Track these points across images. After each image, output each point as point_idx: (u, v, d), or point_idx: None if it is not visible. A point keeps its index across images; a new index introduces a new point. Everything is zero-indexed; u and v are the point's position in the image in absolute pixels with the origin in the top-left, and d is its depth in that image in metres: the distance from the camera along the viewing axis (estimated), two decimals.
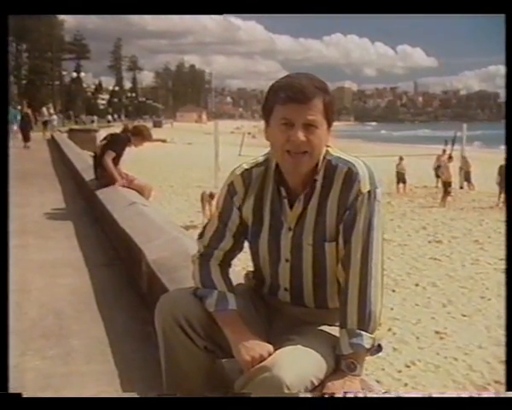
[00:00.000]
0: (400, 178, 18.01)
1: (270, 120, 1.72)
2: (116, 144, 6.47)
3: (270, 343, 1.67)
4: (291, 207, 1.76)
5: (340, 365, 1.65)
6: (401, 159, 18.48)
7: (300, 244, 1.76)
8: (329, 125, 1.71)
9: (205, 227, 1.93)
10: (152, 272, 3.11)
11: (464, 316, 6.76)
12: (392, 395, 1.54)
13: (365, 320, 1.66)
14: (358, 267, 1.67)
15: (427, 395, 1.47)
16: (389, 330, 6.13)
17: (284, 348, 1.61)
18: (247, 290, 1.92)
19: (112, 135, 6.73)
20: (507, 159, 2.00)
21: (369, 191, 1.68)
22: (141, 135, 6.59)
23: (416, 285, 7.97)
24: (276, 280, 1.84)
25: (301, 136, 1.64)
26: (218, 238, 1.86)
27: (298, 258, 1.78)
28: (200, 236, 1.92)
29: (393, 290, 7.58)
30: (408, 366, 5.40)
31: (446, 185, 16.16)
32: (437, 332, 6.22)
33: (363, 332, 1.65)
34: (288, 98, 1.65)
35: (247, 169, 1.83)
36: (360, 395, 1.56)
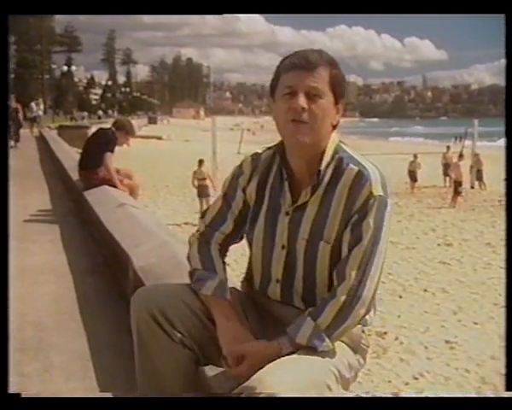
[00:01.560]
0: (412, 177, 17.77)
1: (275, 95, 1.71)
2: (112, 143, 6.15)
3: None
4: (291, 191, 1.75)
5: (283, 339, 1.63)
6: (415, 157, 18.23)
7: (296, 236, 1.75)
8: (336, 100, 1.69)
9: (209, 207, 1.96)
10: (139, 279, 2.96)
11: (476, 324, 6.55)
12: (392, 395, 1.57)
13: (336, 330, 1.62)
14: (354, 277, 1.62)
15: (426, 396, 1.50)
16: (396, 339, 5.93)
17: (278, 361, 1.56)
18: (236, 292, 1.92)
19: (104, 133, 6.36)
20: (507, 159, 1.98)
21: (380, 196, 1.64)
22: (124, 129, 6.27)
23: (425, 291, 7.77)
24: (269, 271, 1.82)
25: (303, 102, 1.63)
26: (220, 221, 1.89)
27: (293, 248, 1.76)
28: (203, 215, 1.95)
29: (400, 296, 7.40)
30: (416, 378, 5.15)
31: (457, 185, 15.84)
32: (447, 341, 5.99)
33: (327, 339, 1.61)
34: (292, 65, 1.66)
35: (257, 152, 1.86)
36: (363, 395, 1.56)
